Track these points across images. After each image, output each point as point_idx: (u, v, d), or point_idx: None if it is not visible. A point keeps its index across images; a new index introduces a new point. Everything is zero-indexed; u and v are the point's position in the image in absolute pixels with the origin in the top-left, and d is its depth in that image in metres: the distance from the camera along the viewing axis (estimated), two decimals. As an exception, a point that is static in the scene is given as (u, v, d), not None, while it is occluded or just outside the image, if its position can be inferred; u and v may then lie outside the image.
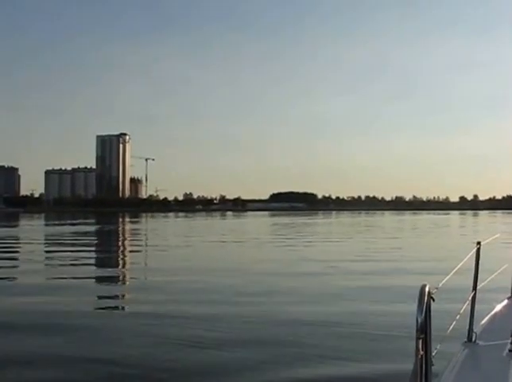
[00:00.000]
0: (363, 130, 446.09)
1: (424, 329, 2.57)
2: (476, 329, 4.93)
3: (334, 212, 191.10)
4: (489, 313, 5.50)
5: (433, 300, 2.83)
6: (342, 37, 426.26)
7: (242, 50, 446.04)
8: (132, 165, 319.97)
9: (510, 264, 5.66)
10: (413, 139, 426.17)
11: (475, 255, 4.99)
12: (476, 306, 4.95)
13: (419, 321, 2.54)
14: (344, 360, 8.62)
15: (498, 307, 5.59)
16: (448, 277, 4.07)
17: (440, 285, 3.70)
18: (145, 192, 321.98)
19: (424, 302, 2.61)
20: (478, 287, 5.14)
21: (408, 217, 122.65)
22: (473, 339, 4.74)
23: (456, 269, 4.53)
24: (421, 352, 2.53)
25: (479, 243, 5.14)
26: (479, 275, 5.03)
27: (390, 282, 17.57)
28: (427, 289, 2.71)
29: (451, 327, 4.44)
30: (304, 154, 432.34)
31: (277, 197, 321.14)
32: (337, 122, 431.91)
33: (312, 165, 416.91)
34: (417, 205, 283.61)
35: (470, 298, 5.02)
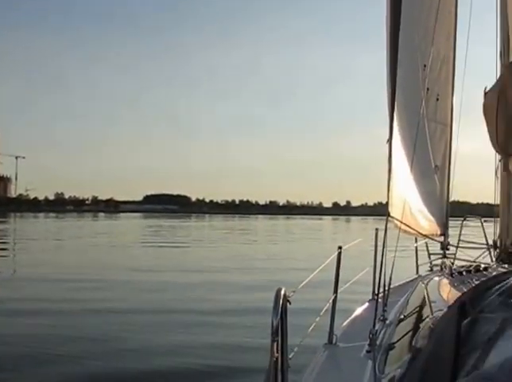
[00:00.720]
0: (237, 133, 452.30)
1: (278, 332, 2.68)
2: (337, 331, 5.19)
3: (207, 216, 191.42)
4: (350, 315, 5.80)
5: (289, 303, 2.95)
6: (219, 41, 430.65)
7: (124, 49, 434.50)
8: (0, 163, 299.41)
9: (371, 267, 5.99)
10: (290, 144, 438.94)
11: (336, 259, 5.26)
12: (338, 309, 5.21)
13: (274, 323, 2.65)
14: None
15: (359, 310, 5.92)
16: (305, 281, 4.28)
17: (299, 288, 3.88)
18: (14, 192, 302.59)
19: (280, 304, 2.74)
20: (339, 290, 5.41)
21: (282, 222, 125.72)
22: (333, 341, 4.98)
23: (315, 273, 4.77)
24: (276, 355, 2.63)
25: (340, 247, 5.43)
26: (340, 279, 5.32)
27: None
28: (282, 292, 2.83)
29: (309, 330, 4.65)
30: (179, 156, 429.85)
31: (150, 199, 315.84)
32: (211, 124, 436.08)
33: (186, 167, 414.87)
34: (291, 210, 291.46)
35: (331, 301, 5.28)
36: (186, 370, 9.12)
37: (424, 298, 4.12)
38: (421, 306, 4.01)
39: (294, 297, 3.24)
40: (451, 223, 6.86)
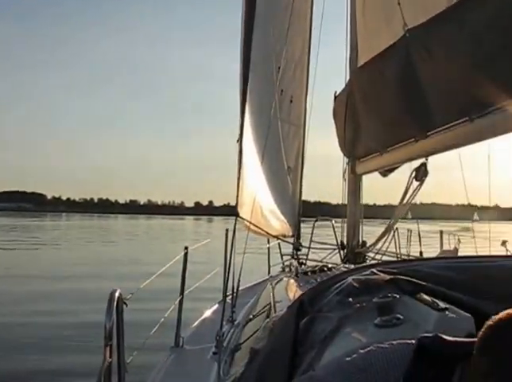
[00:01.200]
0: (97, 130, 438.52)
1: (112, 336, 2.60)
2: (185, 333, 5.13)
3: (64, 215, 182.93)
4: (199, 317, 5.78)
5: (126, 305, 2.86)
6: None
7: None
8: None
9: (221, 268, 5.98)
10: (150, 142, 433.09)
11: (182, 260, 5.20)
12: (188, 310, 5.15)
13: (107, 327, 2.56)
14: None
15: (208, 312, 5.90)
16: (146, 282, 4.17)
17: (140, 288, 3.77)
18: None
19: (114, 307, 2.64)
20: (186, 292, 5.37)
21: (142, 222, 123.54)
22: (180, 344, 4.93)
23: (158, 274, 4.69)
24: (109, 359, 2.55)
25: (186, 247, 5.37)
26: (187, 280, 5.27)
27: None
28: (117, 294, 2.73)
29: (152, 332, 4.56)
30: (32, 153, 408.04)
31: (2, 196, 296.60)
32: (69, 122, 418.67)
33: (43, 165, 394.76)
34: (152, 209, 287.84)
35: (177, 303, 5.21)
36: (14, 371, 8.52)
37: (270, 298, 4.17)
38: (267, 307, 4.05)
39: (136, 299, 3.15)
40: (313, 224, 6.95)
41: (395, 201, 4.54)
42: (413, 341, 1.42)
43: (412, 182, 4.23)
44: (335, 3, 6.61)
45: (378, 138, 4.69)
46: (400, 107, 4.12)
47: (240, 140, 5.29)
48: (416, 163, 4.22)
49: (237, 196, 5.15)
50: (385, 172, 5.09)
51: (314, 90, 7.00)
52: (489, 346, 1.18)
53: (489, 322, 1.20)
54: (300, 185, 6.94)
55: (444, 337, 1.37)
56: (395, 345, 1.47)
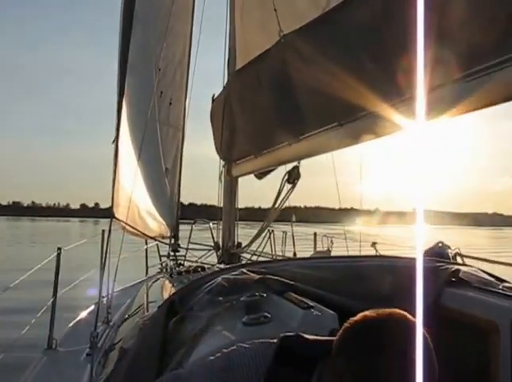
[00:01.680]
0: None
1: None
2: (59, 335, 4.85)
3: None
4: (74, 319, 5.45)
5: None
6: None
7: None
8: None
9: (97, 269, 5.71)
10: (35, 142, 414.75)
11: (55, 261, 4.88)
12: (63, 312, 4.86)
13: None
14: None
15: (84, 313, 5.59)
16: (15, 282, 3.89)
17: (8, 289, 3.47)
18: None
19: None
20: (60, 293, 5.04)
21: (26, 224, 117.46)
22: (53, 346, 4.66)
23: (27, 274, 4.35)
24: None
25: (59, 248, 5.03)
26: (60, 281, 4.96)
27: None
28: None
29: (22, 334, 4.26)
30: None
31: None
32: None
33: None
34: (36, 211, 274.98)
35: (50, 304, 4.90)
36: None
37: (144, 299, 4.05)
38: (141, 308, 3.92)
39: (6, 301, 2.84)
40: (191, 225, 6.82)
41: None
42: (276, 340, 1.38)
43: (284, 185, 4.17)
44: (215, 7, 6.46)
45: (253, 142, 4.59)
46: (274, 111, 4.04)
47: (116, 141, 5.08)
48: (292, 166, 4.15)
49: (112, 198, 5.04)
50: (261, 174, 4.99)
51: (195, 92, 6.80)
52: (344, 347, 1.17)
53: (346, 324, 1.19)
54: (179, 187, 6.71)
55: (306, 336, 1.35)
56: (258, 345, 1.42)
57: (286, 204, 4.43)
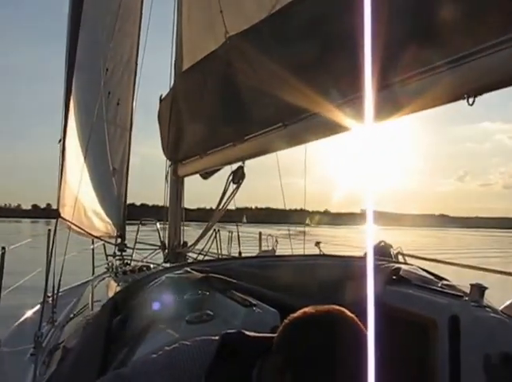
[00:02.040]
0: None
1: None
2: (3, 335, 4.72)
3: None
4: (20, 318, 5.29)
5: None
6: None
7: None
8: None
9: (43, 267, 5.57)
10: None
11: None
12: (6, 311, 4.73)
13: None
14: None
15: (29, 313, 5.43)
16: None
17: None
18: None
19: None
20: (4, 293, 4.89)
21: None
22: None
23: None
24: None
25: (3, 248, 4.86)
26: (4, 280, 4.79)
27: None
28: None
29: None
30: None
31: None
32: None
33: None
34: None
35: None
36: None
37: (89, 298, 4.02)
38: (86, 307, 3.88)
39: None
40: (138, 225, 6.65)
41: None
42: (217, 338, 1.36)
43: (229, 185, 4.10)
44: (163, 8, 6.32)
45: (199, 142, 4.49)
46: (220, 111, 3.97)
47: (63, 140, 4.92)
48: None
49: (58, 197, 4.88)
50: (206, 174, 4.90)
51: (142, 93, 6.64)
52: (283, 344, 1.16)
53: (285, 321, 1.17)
54: (126, 187, 6.53)
55: (247, 333, 1.34)
56: (200, 342, 1.39)
57: (232, 204, 4.39)
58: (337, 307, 1.16)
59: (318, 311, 1.15)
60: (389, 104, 2.19)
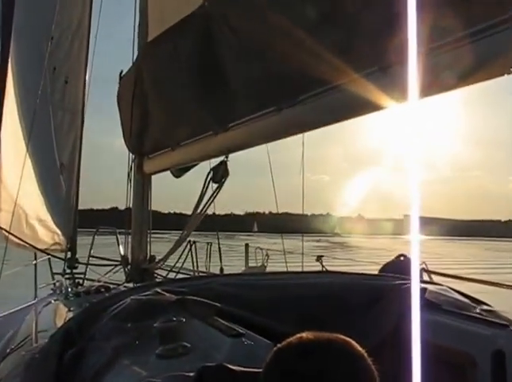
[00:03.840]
0: None
1: None
2: None
3: None
4: None
5: None
6: None
7: None
8: None
9: None
10: None
11: None
12: None
13: None
14: None
15: None
16: None
17: None
18: None
19: None
20: None
21: None
22: None
23: None
24: None
25: None
26: None
27: None
28: None
29: None
30: None
31: None
32: None
33: None
34: None
35: None
36: None
37: (32, 328, 3.96)
38: (28, 339, 3.79)
39: None
40: (93, 235, 6.63)
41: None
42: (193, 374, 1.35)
43: (209, 185, 4.10)
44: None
45: (170, 131, 4.49)
46: (196, 92, 3.94)
47: None
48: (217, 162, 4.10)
49: None
50: (179, 171, 4.89)
51: (98, 68, 6.59)
52: (270, 376, 1.15)
53: (275, 348, 1.17)
54: (77, 187, 6.49)
55: (231, 366, 1.33)
56: (171, 379, 1.42)
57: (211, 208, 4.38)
58: (342, 337, 1.14)
59: (317, 339, 1.13)
60: (439, 73, 2.09)
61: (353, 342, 1.12)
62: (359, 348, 1.11)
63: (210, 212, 4.65)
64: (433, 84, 2.12)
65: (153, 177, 5.27)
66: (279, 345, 1.17)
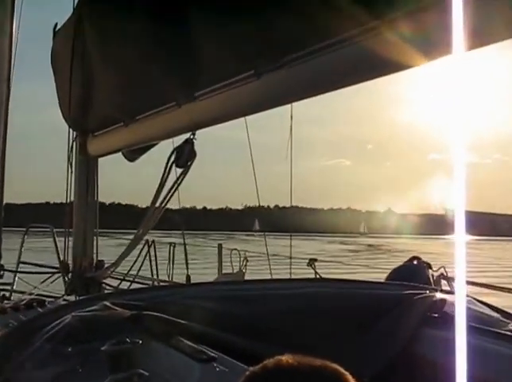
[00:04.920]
0: None
1: None
2: None
3: None
4: None
5: None
6: None
7: None
8: None
9: None
10: None
11: None
12: None
13: None
14: None
15: None
16: None
17: None
18: None
19: None
20: None
21: None
22: None
23: None
24: None
25: None
26: None
27: None
28: None
29: None
30: None
31: None
32: None
33: None
34: None
35: None
36: None
37: None
38: None
39: None
40: (23, 235, 6.65)
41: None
42: None
43: (170, 169, 4.08)
44: None
45: (121, 101, 4.49)
46: (155, 52, 3.91)
47: None
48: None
49: None
50: (133, 153, 4.87)
51: (28, 19, 6.49)
52: None
53: (248, 373, 1.19)
54: (2, 174, 6.42)
55: None
56: None
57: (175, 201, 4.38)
58: (330, 364, 1.14)
59: (299, 364, 1.14)
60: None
61: (344, 372, 1.12)
62: (350, 378, 1.11)
63: (173, 206, 4.64)
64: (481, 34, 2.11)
65: (100, 160, 5.23)
66: (252, 369, 1.18)
